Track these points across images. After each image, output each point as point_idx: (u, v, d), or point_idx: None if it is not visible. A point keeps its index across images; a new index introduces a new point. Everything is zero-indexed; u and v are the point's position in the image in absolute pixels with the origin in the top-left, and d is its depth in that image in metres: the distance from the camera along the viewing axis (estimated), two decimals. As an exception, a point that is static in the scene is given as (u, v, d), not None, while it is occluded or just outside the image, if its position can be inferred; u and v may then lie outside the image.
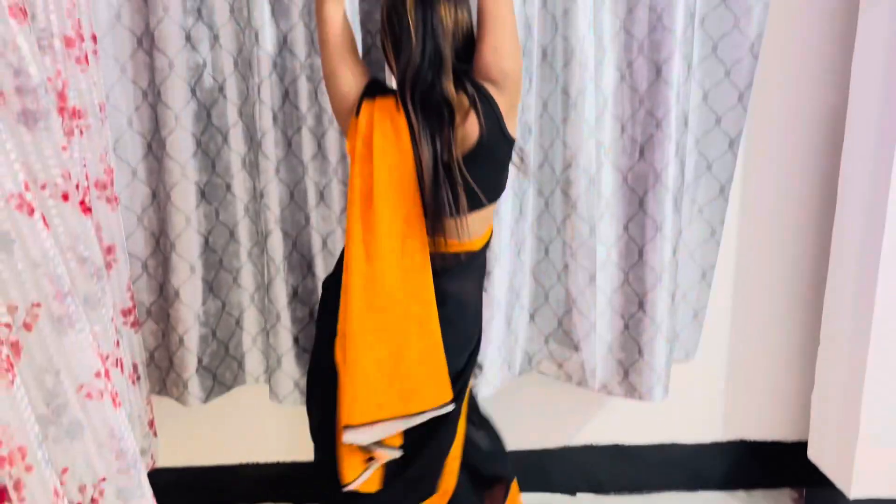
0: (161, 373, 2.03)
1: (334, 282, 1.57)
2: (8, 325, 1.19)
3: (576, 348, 2.00)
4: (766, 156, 2.08)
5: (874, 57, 1.85)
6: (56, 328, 1.24)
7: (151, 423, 1.92)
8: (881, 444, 1.95)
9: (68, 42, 1.55)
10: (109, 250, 1.74)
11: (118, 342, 1.54)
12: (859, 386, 1.95)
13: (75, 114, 1.57)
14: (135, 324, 1.82)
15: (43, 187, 1.31)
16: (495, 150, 1.51)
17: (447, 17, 1.45)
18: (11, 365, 1.10)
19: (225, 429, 2.20)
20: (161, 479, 1.82)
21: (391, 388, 1.48)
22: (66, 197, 1.34)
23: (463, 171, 1.44)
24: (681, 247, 1.98)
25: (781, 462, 2.32)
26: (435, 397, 1.51)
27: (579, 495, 2.33)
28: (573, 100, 1.83)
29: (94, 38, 1.74)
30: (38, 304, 1.22)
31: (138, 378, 1.86)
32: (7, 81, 1.24)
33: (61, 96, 1.50)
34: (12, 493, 1.10)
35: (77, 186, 1.40)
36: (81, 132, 1.61)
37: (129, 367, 1.78)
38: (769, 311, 2.21)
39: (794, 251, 2.16)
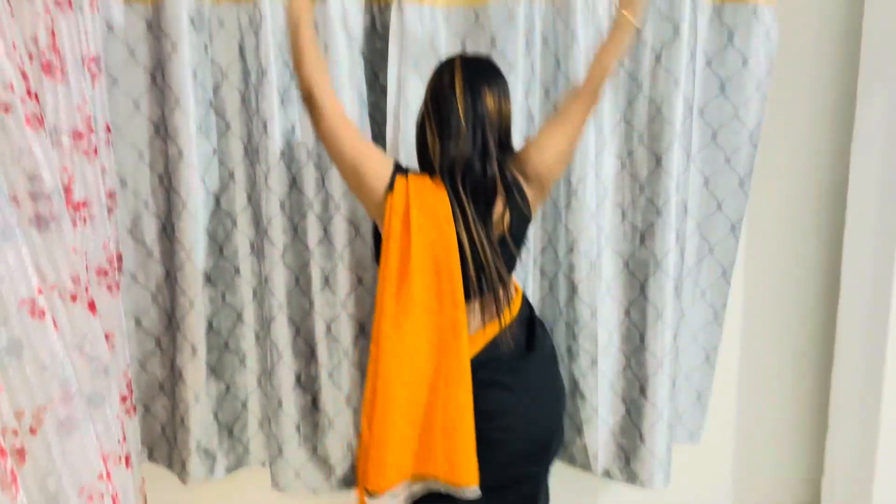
0: (169, 447, 2.06)
1: None
2: (15, 432, 1.22)
3: (578, 431, 2.00)
4: (769, 239, 2.10)
5: (873, 140, 1.87)
6: (60, 431, 1.28)
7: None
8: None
9: (77, 136, 1.60)
10: (107, 337, 1.77)
11: (124, 437, 1.57)
12: (870, 471, 1.92)
13: (78, 206, 1.61)
14: (130, 411, 1.85)
15: (52, 288, 1.36)
16: (521, 234, 1.57)
17: (493, 105, 1.49)
18: (14, 477, 1.14)
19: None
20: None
21: (411, 453, 1.50)
22: (74, 298, 1.39)
23: (511, 247, 1.52)
24: (683, 330, 1.98)
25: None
26: (446, 471, 1.50)
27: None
28: (574, 187, 1.87)
29: (108, 128, 1.81)
30: (45, 408, 1.25)
31: (130, 467, 1.88)
32: (21, 187, 1.29)
33: (67, 191, 1.55)
34: None
35: (86, 284, 1.45)
36: (85, 221, 1.65)
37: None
38: (776, 392, 2.19)
39: (799, 332, 2.16)
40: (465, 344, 1.48)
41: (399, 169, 1.52)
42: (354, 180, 1.52)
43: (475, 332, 1.55)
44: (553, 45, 1.87)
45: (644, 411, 1.94)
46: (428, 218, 1.46)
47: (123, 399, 1.84)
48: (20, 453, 1.22)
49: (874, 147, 1.87)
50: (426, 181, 1.49)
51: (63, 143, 1.54)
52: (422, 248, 1.46)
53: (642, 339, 1.93)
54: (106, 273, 1.74)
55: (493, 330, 1.55)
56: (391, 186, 1.48)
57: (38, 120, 1.33)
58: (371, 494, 1.52)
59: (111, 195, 1.80)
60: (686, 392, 2.06)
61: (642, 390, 1.94)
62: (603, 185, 1.91)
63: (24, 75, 1.31)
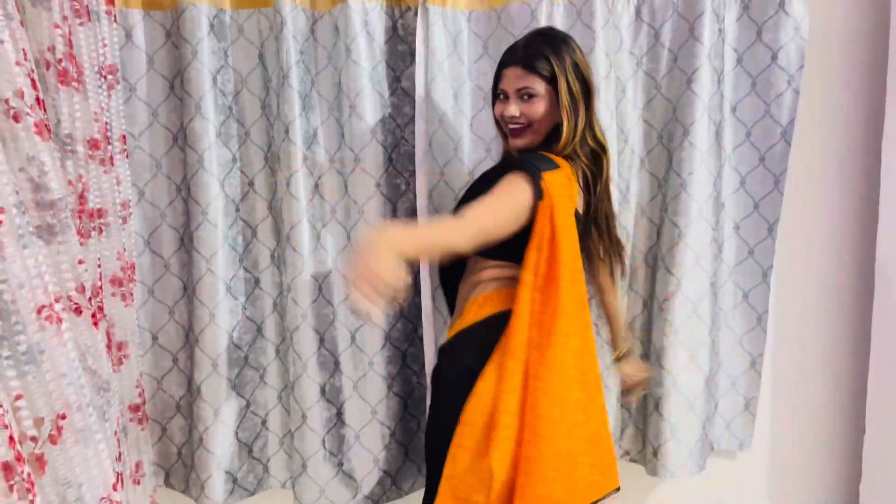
0: (186, 470, 1.98)
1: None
2: (34, 439, 1.16)
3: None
4: (804, 240, 2.03)
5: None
6: (79, 440, 1.21)
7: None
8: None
9: (94, 145, 1.57)
10: (120, 346, 1.72)
11: (120, 455, 1.50)
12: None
13: (93, 215, 1.58)
14: (142, 420, 1.78)
15: (57, 300, 1.29)
16: None
17: None
18: (32, 484, 1.07)
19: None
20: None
21: (565, 483, 1.37)
22: (78, 311, 1.33)
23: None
24: (726, 335, 1.92)
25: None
26: (602, 485, 1.42)
27: None
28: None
29: (124, 139, 1.77)
30: (63, 416, 1.20)
31: (143, 476, 1.81)
32: (27, 197, 1.24)
33: (81, 199, 1.52)
34: None
35: (90, 298, 1.39)
36: (101, 231, 1.61)
37: (131, 466, 1.74)
38: (812, 398, 2.11)
39: (835, 338, 2.08)
40: (594, 347, 1.45)
41: (534, 174, 1.38)
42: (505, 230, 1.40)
43: None
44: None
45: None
46: (567, 219, 1.39)
47: (137, 408, 1.78)
48: (39, 461, 1.16)
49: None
50: (559, 176, 1.41)
51: (78, 152, 1.51)
52: (570, 252, 1.38)
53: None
54: (121, 283, 1.70)
55: None
56: (540, 195, 1.37)
57: (47, 128, 1.30)
58: None
59: (125, 205, 1.76)
60: (734, 399, 1.99)
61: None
62: (625, 181, 1.88)
63: (34, 84, 1.28)
